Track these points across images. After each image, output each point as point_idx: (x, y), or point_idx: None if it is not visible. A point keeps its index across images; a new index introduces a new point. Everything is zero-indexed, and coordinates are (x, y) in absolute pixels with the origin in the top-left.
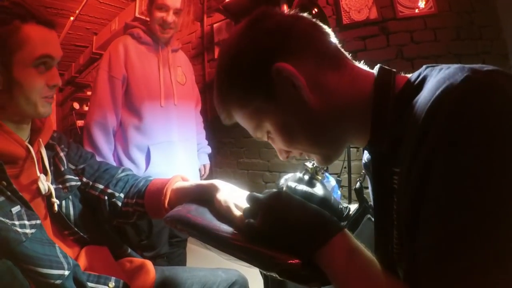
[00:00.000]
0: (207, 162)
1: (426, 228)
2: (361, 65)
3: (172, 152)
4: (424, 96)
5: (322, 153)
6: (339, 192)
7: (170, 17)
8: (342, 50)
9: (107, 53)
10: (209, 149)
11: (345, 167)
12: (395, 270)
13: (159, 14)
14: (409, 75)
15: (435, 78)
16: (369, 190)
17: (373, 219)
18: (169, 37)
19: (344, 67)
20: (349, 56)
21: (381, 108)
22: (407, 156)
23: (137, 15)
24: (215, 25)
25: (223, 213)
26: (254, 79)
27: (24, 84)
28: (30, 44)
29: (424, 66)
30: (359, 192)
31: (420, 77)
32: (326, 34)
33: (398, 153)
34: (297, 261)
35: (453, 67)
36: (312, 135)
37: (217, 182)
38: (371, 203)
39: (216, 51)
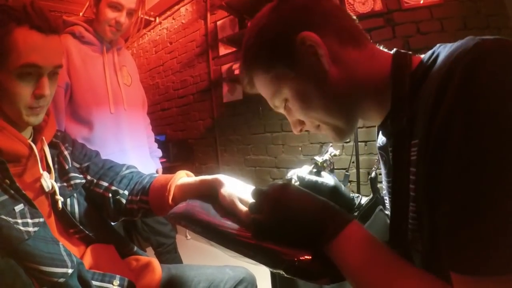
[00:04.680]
0: (159, 166)
1: (446, 194)
2: (380, 47)
3: (125, 160)
4: (438, 66)
5: (335, 124)
6: (343, 187)
7: (123, 18)
8: (363, 30)
9: None
10: (159, 153)
11: (353, 162)
12: (409, 254)
13: (111, 14)
14: (423, 55)
15: (448, 50)
16: (382, 175)
17: (385, 211)
18: (115, 38)
19: (364, 45)
20: (369, 38)
21: (400, 84)
22: (424, 123)
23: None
24: (218, 23)
25: (227, 208)
26: (279, 45)
27: (7, 90)
28: (16, 51)
29: (437, 45)
30: (374, 182)
31: (434, 54)
32: (349, 15)
33: (416, 125)
34: (307, 256)
35: (465, 39)
36: (327, 105)
37: (221, 176)
38: (383, 194)
39: (221, 49)
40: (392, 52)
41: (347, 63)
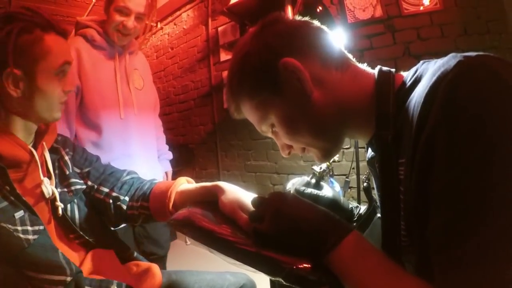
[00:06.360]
0: (169, 169)
1: (433, 213)
2: (364, 66)
3: (133, 164)
4: (422, 85)
5: (322, 147)
6: (342, 198)
7: (131, 23)
8: (346, 52)
9: None
10: (170, 155)
11: (353, 168)
12: (402, 266)
13: (118, 18)
14: (406, 73)
15: (431, 69)
16: (375, 187)
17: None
18: (126, 43)
19: (347, 66)
20: (352, 57)
21: (384, 104)
22: (410, 143)
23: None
24: (220, 28)
25: (228, 215)
26: (262, 72)
27: (47, 92)
28: (52, 54)
29: (421, 62)
30: (368, 191)
31: (417, 73)
32: (331, 37)
33: (402, 144)
34: (306, 264)
35: (447, 56)
36: (313, 128)
37: (221, 183)
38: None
39: (222, 54)
40: (375, 70)
41: (330, 86)
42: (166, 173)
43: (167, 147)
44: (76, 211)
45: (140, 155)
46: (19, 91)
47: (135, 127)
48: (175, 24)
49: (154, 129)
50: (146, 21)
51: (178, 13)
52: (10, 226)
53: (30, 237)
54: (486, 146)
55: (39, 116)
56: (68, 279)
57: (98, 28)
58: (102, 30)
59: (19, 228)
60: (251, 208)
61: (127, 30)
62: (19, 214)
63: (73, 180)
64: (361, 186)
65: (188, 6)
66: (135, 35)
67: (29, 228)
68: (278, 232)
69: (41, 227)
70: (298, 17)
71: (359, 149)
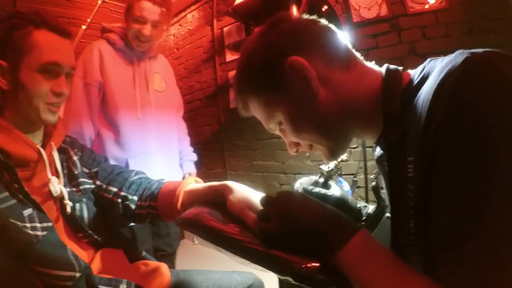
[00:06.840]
0: (192, 170)
1: (439, 212)
2: (371, 65)
3: (150, 163)
4: (430, 82)
5: (328, 145)
6: (350, 197)
7: (147, 30)
8: (353, 50)
9: (81, 58)
10: (194, 157)
11: (361, 168)
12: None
13: (135, 26)
14: (413, 71)
15: (439, 66)
16: (384, 186)
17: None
18: (145, 49)
19: (353, 65)
20: (359, 56)
21: (391, 102)
22: (417, 141)
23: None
24: (225, 29)
25: (236, 215)
26: (268, 71)
27: (28, 87)
28: (38, 50)
29: (428, 60)
30: (376, 191)
31: (424, 71)
32: (337, 36)
33: (411, 141)
34: (315, 264)
35: (454, 53)
36: (319, 126)
37: (229, 183)
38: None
39: (227, 55)
40: (382, 69)
41: (336, 85)
42: (189, 174)
43: (191, 149)
44: (85, 210)
45: (158, 154)
46: (5, 83)
47: (153, 127)
48: (180, 25)
49: (176, 130)
50: (161, 27)
51: (183, 14)
52: (19, 222)
53: (39, 233)
54: (490, 145)
55: (26, 115)
56: (77, 274)
57: (120, 33)
58: (123, 36)
59: (28, 224)
60: (260, 207)
61: (144, 37)
62: (27, 212)
63: (81, 179)
64: (369, 186)
65: (193, 7)
66: (154, 41)
67: (38, 224)
68: (284, 232)
69: (50, 224)
70: (305, 16)
71: (366, 149)
